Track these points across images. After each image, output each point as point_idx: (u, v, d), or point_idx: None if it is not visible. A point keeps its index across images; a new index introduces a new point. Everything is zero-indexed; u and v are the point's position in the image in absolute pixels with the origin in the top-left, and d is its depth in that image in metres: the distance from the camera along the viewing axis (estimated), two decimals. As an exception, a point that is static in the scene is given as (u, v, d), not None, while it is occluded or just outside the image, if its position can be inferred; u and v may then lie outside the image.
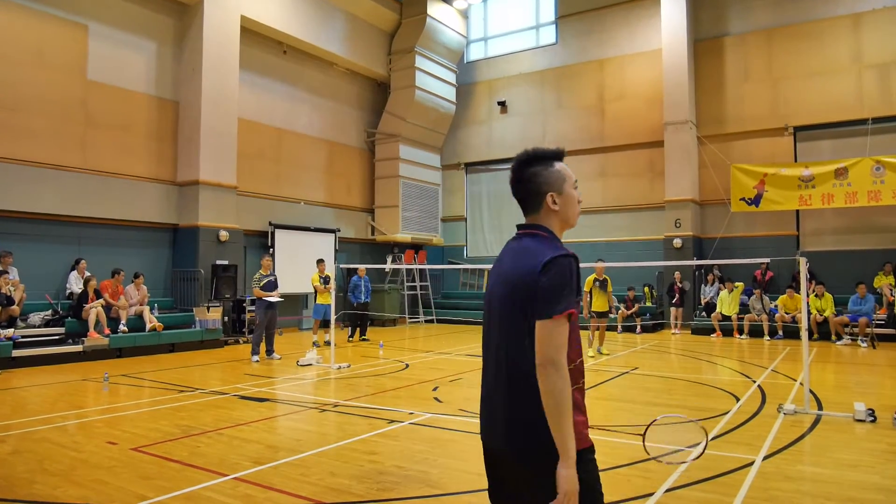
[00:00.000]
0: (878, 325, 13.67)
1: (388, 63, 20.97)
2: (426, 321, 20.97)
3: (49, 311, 12.01)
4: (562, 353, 1.98)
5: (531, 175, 2.24)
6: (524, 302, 2.06)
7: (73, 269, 12.61)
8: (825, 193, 16.03)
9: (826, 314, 14.36)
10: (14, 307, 11.09)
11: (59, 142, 12.84)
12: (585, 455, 2.05)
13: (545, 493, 1.98)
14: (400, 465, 5.11)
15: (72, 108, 13.10)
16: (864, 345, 13.38)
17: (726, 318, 15.71)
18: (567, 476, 1.93)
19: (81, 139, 13.25)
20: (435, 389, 8.67)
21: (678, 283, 17.26)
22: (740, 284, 15.96)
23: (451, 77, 22.21)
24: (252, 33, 16.73)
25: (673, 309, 17.22)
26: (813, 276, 15.39)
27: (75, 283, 12.40)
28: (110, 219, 13.66)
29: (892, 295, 14.09)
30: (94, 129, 13.48)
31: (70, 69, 13.08)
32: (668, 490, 4.44)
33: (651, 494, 4.35)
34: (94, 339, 11.67)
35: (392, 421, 6.69)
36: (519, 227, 2.29)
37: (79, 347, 11.51)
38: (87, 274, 12.35)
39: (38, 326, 11.61)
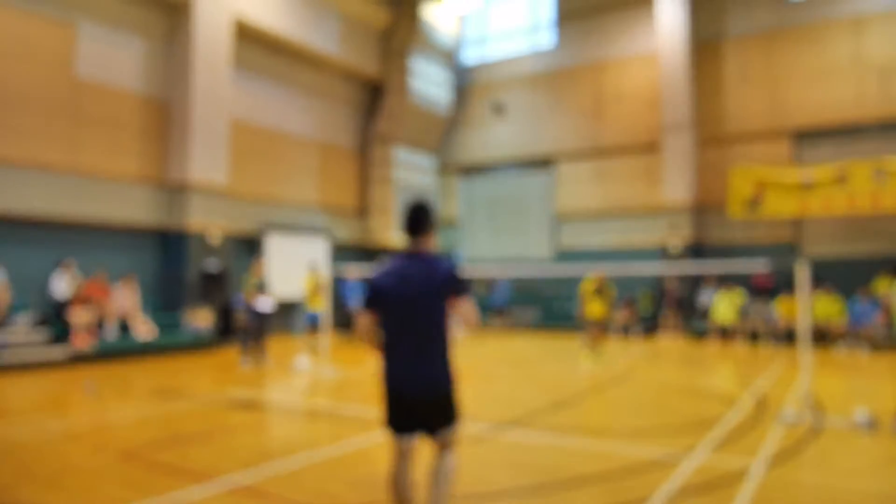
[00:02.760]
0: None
1: (383, 65, 20.89)
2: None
3: (34, 315, 11.83)
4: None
5: (428, 216, 3.57)
6: (446, 294, 3.45)
7: (59, 271, 12.42)
8: (825, 198, 15.95)
9: (835, 318, 14.15)
10: (-2, 310, 10.92)
11: (46, 141, 12.66)
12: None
13: (448, 414, 3.53)
14: (391, 472, 4.99)
15: (59, 107, 12.93)
16: (865, 351, 13.32)
17: (725, 323, 15.63)
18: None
19: (69, 138, 13.09)
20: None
21: (672, 289, 17.21)
22: (739, 291, 15.85)
23: (447, 79, 22.15)
24: (244, 32, 16.61)
25: (667, 314, 17.16)
26: (818, 281, 15.23)
27: (62, 287, 12.22)
28: (98, 220, 13.49)
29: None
30: (83, 129, 13.32)
31: (58, 67, 12.92)
32: (665, 497, 4.34)
33: (648, 501, 4.25)
34: (81, 343, 11.49)
35: (384, 427, 6.58)
36: (412, 248, 3.57)
37: (65, 352, 11.33)
38: (75, 277, 12.18)
39: (23, 330, 11.43)
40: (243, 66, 16.70)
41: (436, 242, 3.65)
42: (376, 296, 3.51)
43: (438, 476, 3.53)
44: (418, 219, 3.55)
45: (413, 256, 3.53)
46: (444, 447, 3.57)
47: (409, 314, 3.43)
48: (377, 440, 6.03)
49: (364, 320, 3.59)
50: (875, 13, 16.41)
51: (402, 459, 3.56)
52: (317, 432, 6.62)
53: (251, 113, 17.15)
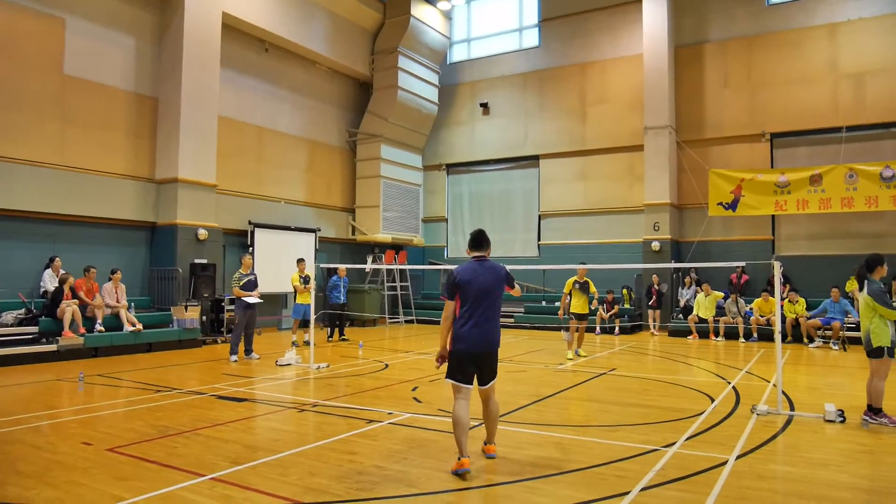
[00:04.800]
0: (849, 329, 13.93)
1: (370, 63, 20.94)
2: (406, 321, 20.97)
3: (22, 310, 11.82)
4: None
5: (487, 239, 5.35)
6: (503, 285, 5.25)
7: (47, 267, 12.41)
8: (800, 199, 16.30)
9: (798, 312, 14.55)
10: (-13, 305, 10.91)
11: (34, 137, 12.63)
12: None
13: (496, 367, 5.26)
14: (379, 464, 5.12)
15: (48, 104, 12.90)
16: (836, 348, 13.63)
17: (703, 320, 15.91)
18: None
19: (58, 135, 13.06)
20: (414, 389, 8.69)
21: (655, 286, 17.47)
22: (719, 294, 16.11)
23: (434, 78, 22.24)
24: (233, 30, 16.61)
25: (650, 311, 17.43)
26: (788, 280, 15.64)
27: (49, 282, 12.20)
28: (86, 216, 13.47)
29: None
30: (71, 125, 13.29)
31: (46, 63, 12.88)
32: (643, 489, 4.51)
33: (627, 493, 4.41)
34: (69, 338, 11.51)
35: (371, 421, 6.70)
36: (476, 256, 5.26)
37: (53, 347, 11.34)
38: (63, 272, 12.17)
39: (11, 325, 11.42)
40: (232, 64, 16.69)
41: (491, 252, 5.42)
42: (459, 283, 5.08)
43: (491, 413, 5.29)
44: (482, 239, 5.30)
45: (481, 262, 5.21)
46: (490, 395, 5.23)
47: (483, 296, 5.06)
48: (363, 434, 6.17)
49: (450, 308, 5.17)
50: (849, 21, 16.76)
51: (464, 400, 5.04)
52: (304, 426, 6.73)
53: (240, 110, 17.15)
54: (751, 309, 15.53)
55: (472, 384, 5.07)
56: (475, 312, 5.04)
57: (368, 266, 18.52)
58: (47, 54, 12.91)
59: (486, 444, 5.40)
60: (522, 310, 19.52)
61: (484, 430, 5.46)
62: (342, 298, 15.46)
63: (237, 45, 16.94)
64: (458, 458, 4.85)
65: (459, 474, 4.76)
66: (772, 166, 17.51)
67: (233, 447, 5.65)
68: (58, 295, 11.77)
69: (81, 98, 13.48)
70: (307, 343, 12.20)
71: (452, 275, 5.16)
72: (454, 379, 5.06)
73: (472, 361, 5.04)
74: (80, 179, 13.33)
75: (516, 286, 5.51)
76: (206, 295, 14.62)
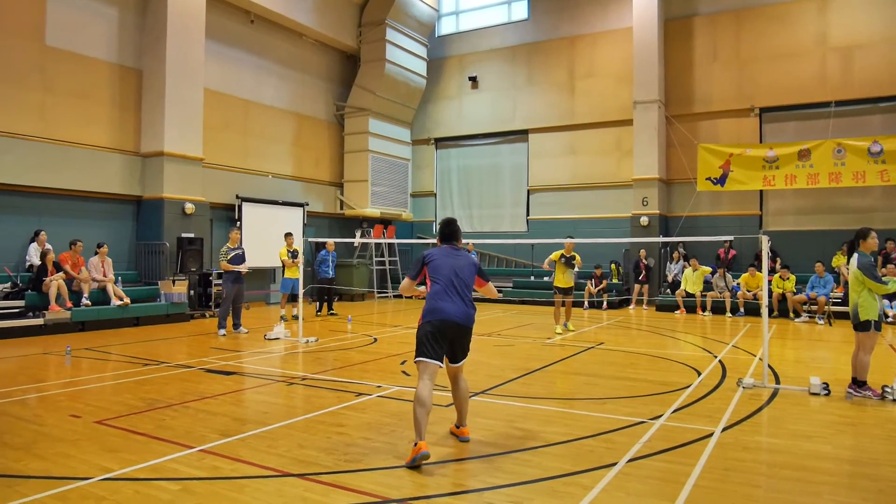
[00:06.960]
0: (834, 304, 14.08)
1: (358, 35, 20.65)
2: (394, 296, 20.98)
3: (8, 284, 11.71)
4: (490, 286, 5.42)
5: (459, 228, 5.32)
6: (473, 272, 5.10)
7: (32, 241, 12.28)
8: (788, 174, 16.34)
9: (787, 288, 14.68)
10: (-29, 279, 10.79)
11: (16, 109, 12.41)
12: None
13: (468, 346, 5.05)
14: (367, 436, 5.14)
15: (29, 75, 12.65)
16: (822, 322, 13.79)
17: (690, 295, 16.02)
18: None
19: (40, 107, 12.83)
20: (403, 363, 8.72)
21: (643, 260, 17.55)
22: (707, 269, 16.20)
23: (422, 51, 21.98)
24: (218, 1, 16.29)
25: (637, 285, 17.53)
26: (776, 254, 15.74)
27: (35, 256, 12.09)
28: (71, 189, 13.31)
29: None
30: (53, 97, 13.05)
31: (27, 34, 12.61)
32: (630, 460, 4.55)
33: (614, 464, 4.45)
34: (56, 312, 11.42)
35: (360, 394, 6.72)
36: (451, 245, 5.21)
37: (39, 321, 11.27)
38: (46, 247, 12.04)
39: (-3, 299, 11.33)
40: (217, 35, 16.41)
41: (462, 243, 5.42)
42: (428, 262, 5.06)
43: (462, 393, 5.09)
44: (455, 230, 5.28)
45: (454, 248, 5.19)
46: (459, 373, 5.08)
47: (456, 273, 4.97)
48: (352, 407, 6.18)
49: (407, 283, 5.19)
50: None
51: (430, 380, 4.71)
52: (293, 399, 6.74)
53: (226, 83, 16.91)
54: (738, 284, 15.65)
55: (440, 362, 4.77)
56: (449, 287, 4.88)
57: (357, 240, 18.45)
58: (29, 25, 12.62)
59: (458, 426, 5.13)
60: (511, 284, 19.57)
61: (454, 412, 5.20)
62: (330, 273, 15.43)
63: (222, 17, 16.63)
64: (415, 444, 4.43)
65: (416, 462, 4.34)
66: (760, 141, 17.52)
67: (221, 420, 5.65)
68: (42, 270, 11.65)
69: (64, 70, 13.22)
70: (295, 317, 12.19)
71: (423, 254, 5.13)
72: (423, 355, 4.72)
73: (444, 336, 4.75)
74: (63, 152, 13.13)
75: (490, 285, 5.31)
76: (193, 269, 14.53)
